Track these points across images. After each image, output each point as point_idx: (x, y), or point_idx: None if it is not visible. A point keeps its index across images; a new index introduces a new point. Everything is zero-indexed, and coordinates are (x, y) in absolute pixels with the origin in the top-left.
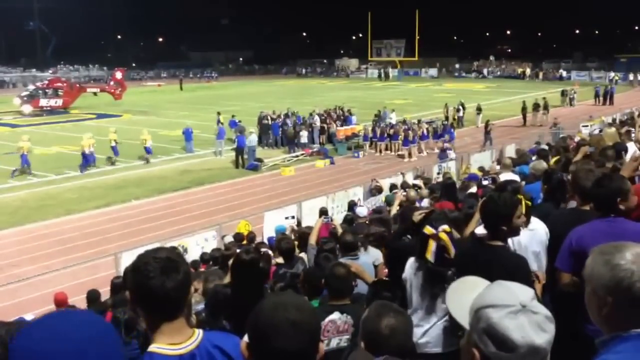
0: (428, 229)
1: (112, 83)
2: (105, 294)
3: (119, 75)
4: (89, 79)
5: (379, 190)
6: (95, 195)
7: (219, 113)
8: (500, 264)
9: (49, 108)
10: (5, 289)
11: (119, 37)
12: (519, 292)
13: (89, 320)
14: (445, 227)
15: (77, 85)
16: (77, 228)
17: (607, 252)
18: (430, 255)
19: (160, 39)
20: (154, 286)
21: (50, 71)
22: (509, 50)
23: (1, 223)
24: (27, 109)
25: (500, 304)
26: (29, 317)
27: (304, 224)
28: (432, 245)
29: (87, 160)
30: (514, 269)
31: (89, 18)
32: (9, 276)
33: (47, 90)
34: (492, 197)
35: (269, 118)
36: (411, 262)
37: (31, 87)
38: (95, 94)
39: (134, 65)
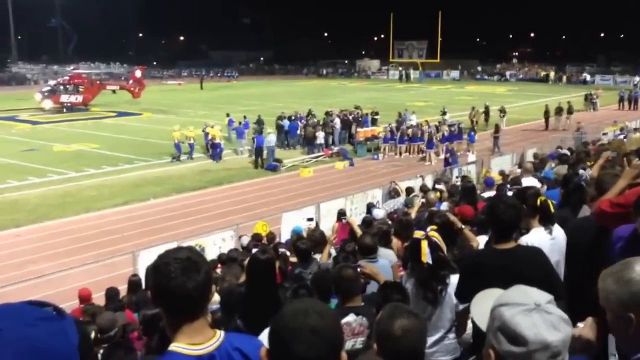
0: (417, 233)
1: (131, 81)
2: (123, 292)
3: (138, 73)
4: (109, 77)
5: (398, 192)
6: (114, 193)
7: (227, 114)
8: (516, 267)
9: (69, 104)
10: (24, 285)
11: (140, 35)
12: (535, 294)
13: (40, 318)
14: (433, 226)
15: (98, 82)
16: (96, 226)
17: (615, 271)
18: (425, 257)
19: (182, 38)
20: (174, 286)
21: (71, 67)
22: (532, 53)
23: (21, 220)
24: (48, 104)
25: (514, 302)
26: None
27: (321, 226)
28: (425, 247)
29: (178, 150)
30: (532, 268)
31: (111, 16)
32: (27, 273)
33: (67, 86)
34: (497, 204)
35: (283, 119)
36: (405, 275)
37: (52, 82)
38: (114, 91)
39: (154, 63)
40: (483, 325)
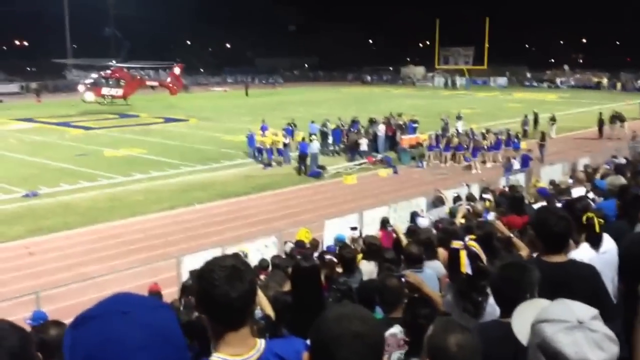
0: (456, 243)
1: (169, 79)
2: (166, 295)
3: (177, 71)
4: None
5: (442, 201)
6: (160, 198)
7: (263, 121)
8: (566, 281)
9: (110, 97)
10: (72, 287)
11: (188, 42)
12: (578, 310)
13: (157, 306)
14: (472, 236)
15: (138, 77)
16: (142, 230)
17: None
18: (464, 268)
19: (228, 45)
20: (218, 294)
21: (114, 61)
22: (584, 59)
23: (72, 222)
24: (90, 96)
25: (555, 319)
26: None
27: (365, 234)
28: (464, 257)
29: (269, 155)
30: (583, 284)
31: (161, 24)
32: (76, 275)
33: (109, 80)
34: (548, 215)
35: (327, 125)
36: (446, 286)
37: (94, 75)
38: (153, 87)
39: (201, 70)
40: (524, 339)
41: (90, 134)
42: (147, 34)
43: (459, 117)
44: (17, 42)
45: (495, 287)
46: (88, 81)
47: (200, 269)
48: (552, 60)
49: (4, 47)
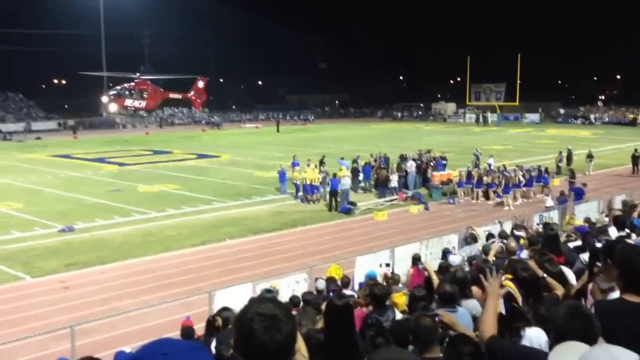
0: None
1: (191, 93)
2: (198, 330)
3: (201, 84)
4: (191, 121)
5: (475, 238)
6: (192, 233)
7: (294, 157)
8: None
9: (132, 108)
10: (106, 321)
11: (220, 80)
12: (622, 356)
13: (196, 347)
14: (508, 275)
15: (161, 90)
16: (175, 265)
17: None
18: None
19: (260, 82)
20: (256, 345)
21: (137, 74)
22: (619, 95)
23: (106, 257)
24: (113, 107)
25: None
26: (127, 349)
27: (396, 270)
28: None
29: (305, 191)
30: None
31: (194, 62)
32: (110, 309)
33: (132, 91)
34: (629, 255)
35: (358, 162)
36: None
37: (118, 87)
38: (177, 100)
39: (233, 107)
40: None
41: (124, 170)
42: (180, 72)
43: (490, 156)
44: (55, 81)
45: (558, 333)
46: (111, 92)
47: (240, 315)
48: (586, 96)
49: (43, 86)
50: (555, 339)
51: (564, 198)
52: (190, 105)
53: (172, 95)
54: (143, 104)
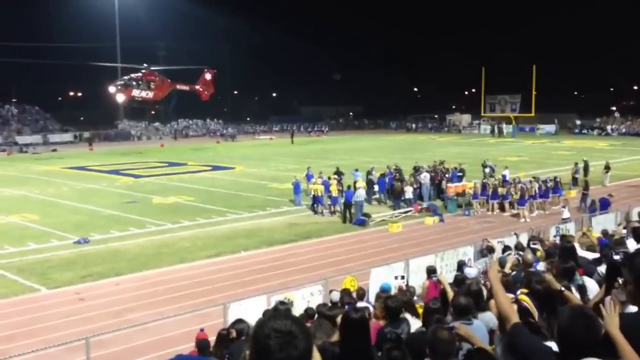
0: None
1: (199, 85)
2: (213, 342)
3: (208, 76)
4: (206, 132)
5: (490, 250)
6: (207, 244)
7: (308, 168)
8: None
9: (140, 99)
10: (121, 333)
11: (235, 92)
12: None
13: None
14: (523, 289)
15: (169, 81)
16: (189, 277)
17: None
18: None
19: (274, 94)
20: None
21: (145, 64)
22: (636, 106)
23: (122, 269)
24: (120, 97)
25: None
26: None
27: (411, 282)
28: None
29: (318, 201)
30: None
31: None
32: (125, 321)
33: (140, 82)
34: None
35: (373, 173)
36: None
37: (125, 77)
38: (184, 92)
39: (248, 119)
40: None
41: (139, 182)
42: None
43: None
44: (71, 93)
45: (562, 333)
46: (119, 83)
47: (256, 331)
48: (602, 107)
49: (60, 98)
50: (559, 340)
51: (593, 207)
52: (198, 98)
53: (179, 87)
54: (150, 94)
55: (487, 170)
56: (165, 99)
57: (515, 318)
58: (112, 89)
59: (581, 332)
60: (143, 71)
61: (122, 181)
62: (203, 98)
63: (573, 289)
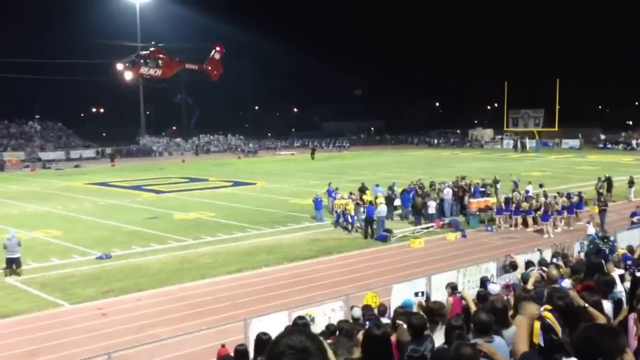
0: None
1: (207, 64)
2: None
3: (217, 55)
4: (227, 148)
5: (514, 266)
6: (228, 260)
7: (329, 184)
8: None
9: (148, 76)
10: (143, 348)
11: (256, 108)
12: None
13: None
14: (547, 306)
15: (177, 59)
16: (210, 292)
17: None
18: (537, 338)
19: (295, 110)
20: None
21: (152, 42)
22: None
23: (143, 284)
24: (129, 75)
25: None
26: None
27: (433, 298)
28: (537, 327)
29: (340, 218)
30: None
31: (230, 91)
32: (146, 336)
33: (148, 60)
34: None
35: (394, 189)
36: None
37: (133, 55)
38: (193, 71)
39: (269, 134)
40: None
41: (161, 197)
42: (217, 101)
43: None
44: (93, 109)
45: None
46: (127, 60)
47: (270, 347)
48: (628, 122)
49: (82, 114)
50: (577, 356)
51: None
52: (208, 76)
53: (187, 66)
54: (159, 72)
55: (512, 185)
56: (187, 113)
57: (524, 347)
58: (119, 66)
59: (600, 349)
60: (151, 49)
61: (143, 197)
62: (213, 78)
63: (609, 303)
